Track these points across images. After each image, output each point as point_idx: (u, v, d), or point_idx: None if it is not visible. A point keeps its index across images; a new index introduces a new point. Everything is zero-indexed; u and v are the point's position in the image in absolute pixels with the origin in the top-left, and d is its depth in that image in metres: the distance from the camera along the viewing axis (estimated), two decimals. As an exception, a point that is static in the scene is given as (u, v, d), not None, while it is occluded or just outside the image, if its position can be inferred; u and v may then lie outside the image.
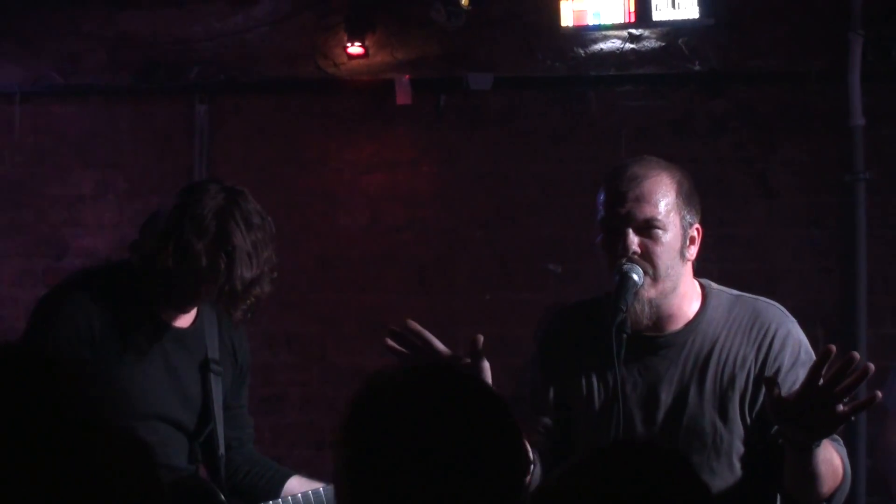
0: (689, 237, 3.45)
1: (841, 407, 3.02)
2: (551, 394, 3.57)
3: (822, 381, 3.01)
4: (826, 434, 3.12)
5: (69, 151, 7.04)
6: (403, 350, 3.42)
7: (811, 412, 3.05)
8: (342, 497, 2.17)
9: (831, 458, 3.25)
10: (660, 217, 3.37)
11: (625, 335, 3.27)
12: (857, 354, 3.03)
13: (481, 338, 3.31)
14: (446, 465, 2.07)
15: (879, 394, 3.09)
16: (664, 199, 3.39)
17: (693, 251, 3.47)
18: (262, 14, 6.94)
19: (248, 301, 3.94)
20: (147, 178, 6.95)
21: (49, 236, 7.02)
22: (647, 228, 3.37)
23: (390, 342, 3.42)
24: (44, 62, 7.06)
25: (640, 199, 3.37)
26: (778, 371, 3.39)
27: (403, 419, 2.11)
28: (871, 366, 3.03)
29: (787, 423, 3.12)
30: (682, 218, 3.43)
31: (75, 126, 7.05)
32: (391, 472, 2.08)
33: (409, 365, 2.28)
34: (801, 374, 3.34)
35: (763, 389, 3.35)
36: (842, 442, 3.38)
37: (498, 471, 2.12)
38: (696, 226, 3.48)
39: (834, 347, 3.02)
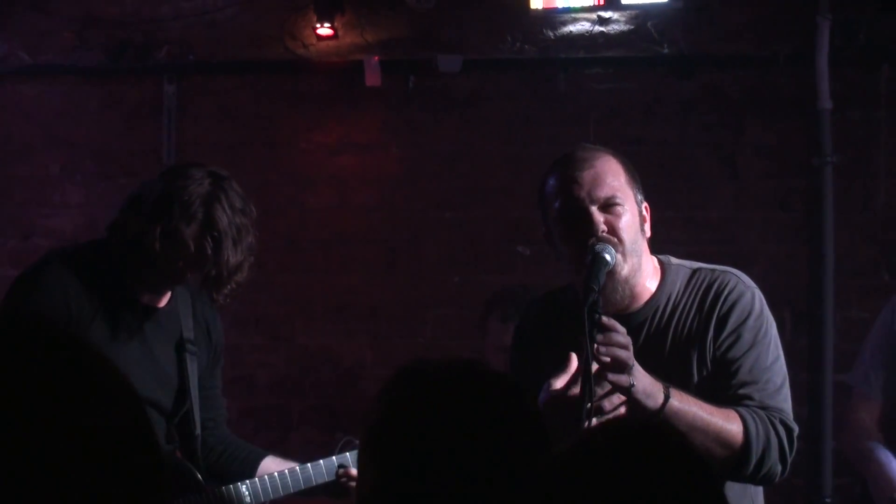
0: (642, 215, 3.50)
1: None
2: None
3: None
4: None
5: (36, 131, 6.99)
6: None
7: None
8: (366, 477, 2.27)
9: (706, 426, 3.26)
10: (618, 193, 3.42)
11: (597, 315, 3.27)
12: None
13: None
14: (472, 448, 2.17)
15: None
16: (617, 178, 3.44)
17: (648, 228, 3.52)
18: (231, -6, 6.92)
19: (232, 285, 3.99)
20: (115, 159, 6.91)
21: (15, 216, 6.98)
22: (609, 206, 3.40)
23: None
24: (11, 41, 7.01)
25: (597, 179, 3.41)
26: (719, 330, 3.43)
27: (434, 409, 2.22)
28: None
29: None
30: (635, 195, 3.49)
31: (42, 106, 7.00)
32: (420, 461, 2.18)
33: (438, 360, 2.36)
34: (746, 337, 3.42)
35: (714, 356, 3.42)
36: (766, 415, 3.37)
37: (518, 451, 2.21)
38: (645, 203, 3.54)
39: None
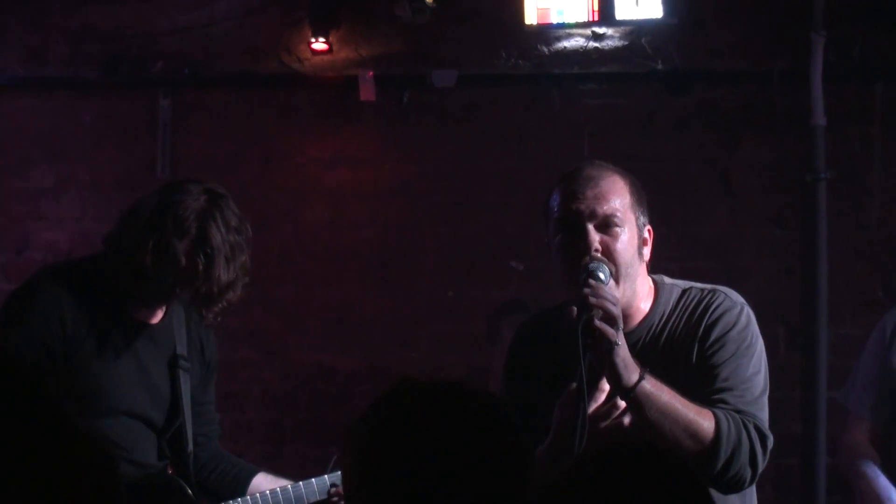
0: (643, 238, 3.48)
1: None
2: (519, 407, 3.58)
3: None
4: None
5: (31, 144, 7.00)
6: None
7: None
8: (352, 486, 2.28)
9: (677, 414, 3.26)
10: (619, 214, 3.39)
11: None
12: None
13: None
14: (457, 469, 2.18)
15: None
16: (620, 198, 3.42)
17: (647, 252, 3.50)
18: (227, 9, 6.92)
19: (222, 304, 3.98)
20: (110, 172, 6.92)
21: (10, 230, 6.98)
22: (607, 226, 3.38)
23: None
24: (7, 55, 7.02)
25: (599, 197, 3.39)
26: (704, 340, 3.44)
27: (420, 426, 2.24)
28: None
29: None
30: (637, 218, 3.46)
31: (38, 119, 7.01)
32: (404, 471, 2.19)
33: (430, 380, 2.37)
34: (729, 347, 3.42)
35: (697, 363, 3.43)
36: (740, 418, 3.35)
37: (503, 472, 2.22)
38: (648, 227, 3.51)
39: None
